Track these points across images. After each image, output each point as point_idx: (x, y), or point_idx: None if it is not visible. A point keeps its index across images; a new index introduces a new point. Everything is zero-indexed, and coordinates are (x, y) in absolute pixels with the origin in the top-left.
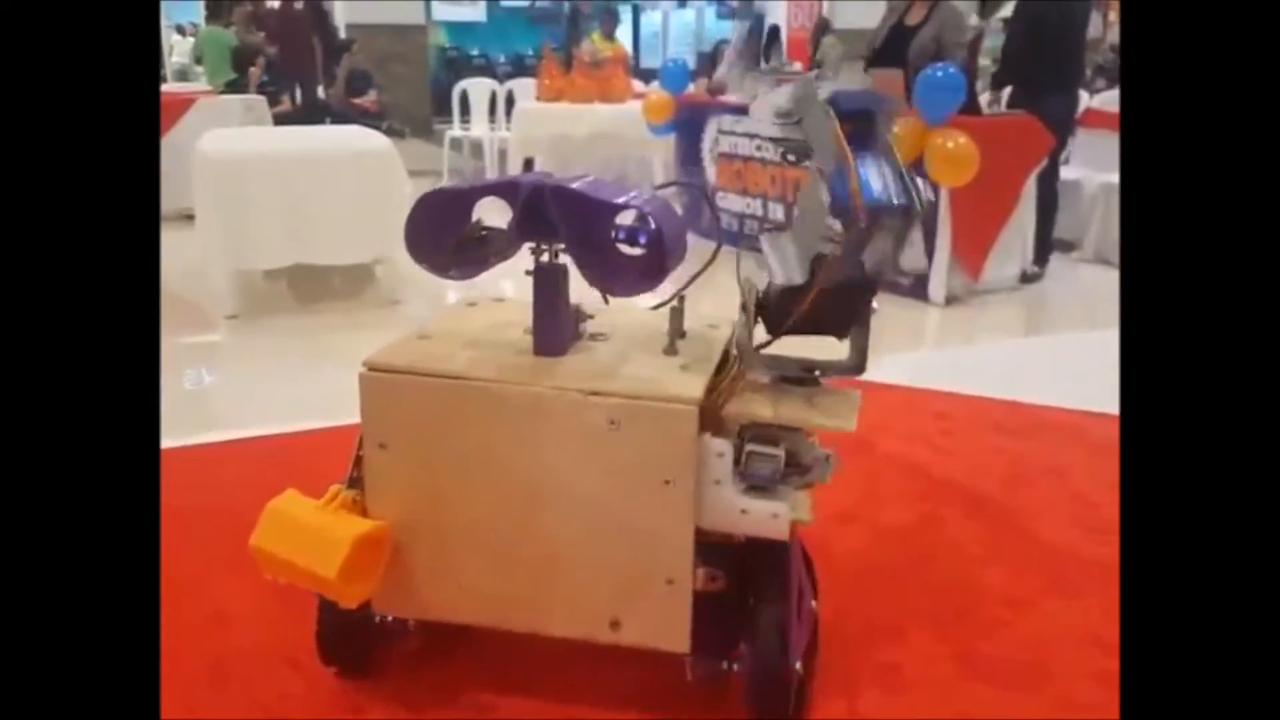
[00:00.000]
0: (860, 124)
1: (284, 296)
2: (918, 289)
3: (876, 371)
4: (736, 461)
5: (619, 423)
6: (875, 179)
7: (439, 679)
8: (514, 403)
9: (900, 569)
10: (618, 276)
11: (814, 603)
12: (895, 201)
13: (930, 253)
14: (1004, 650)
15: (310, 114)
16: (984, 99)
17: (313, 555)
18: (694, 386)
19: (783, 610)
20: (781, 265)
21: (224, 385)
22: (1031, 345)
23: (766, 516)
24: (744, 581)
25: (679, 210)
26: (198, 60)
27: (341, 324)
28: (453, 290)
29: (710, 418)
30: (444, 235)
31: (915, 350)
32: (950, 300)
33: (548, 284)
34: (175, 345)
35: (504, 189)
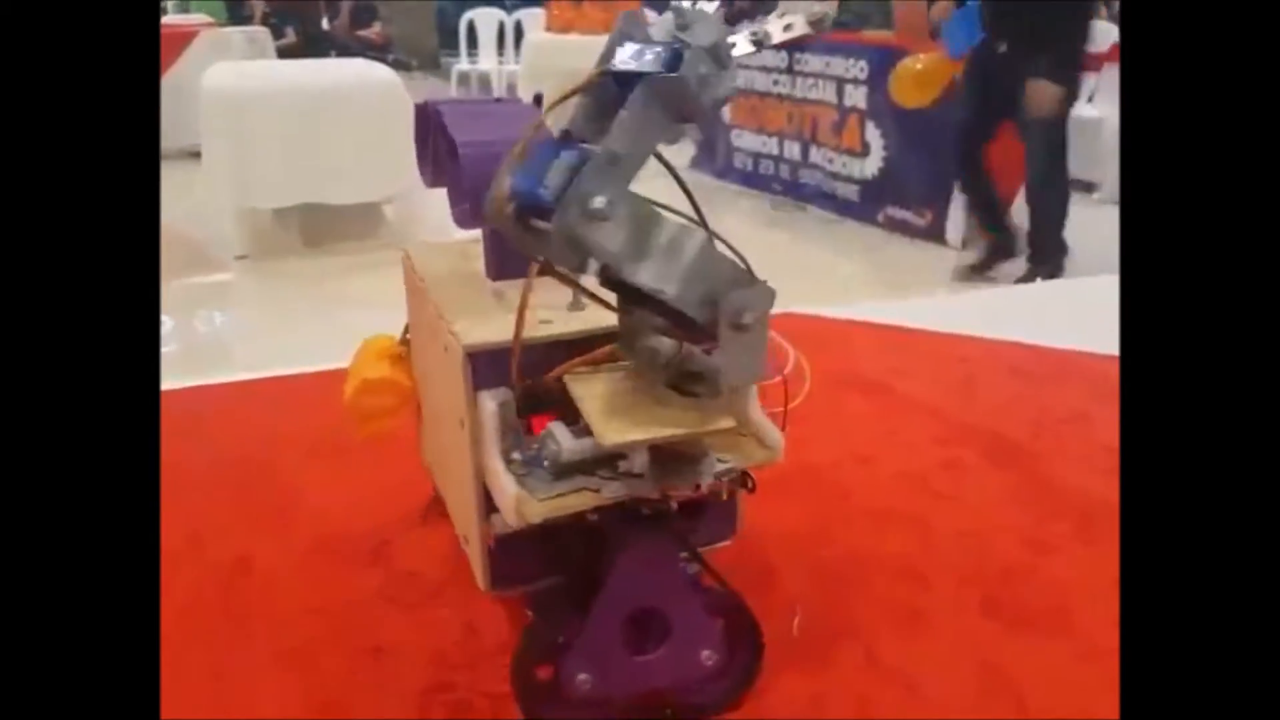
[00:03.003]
0: None
1: (293, 237)
2: (934, 229)
3: (894, 315)
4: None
5: (445, 349)
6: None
7: (469, 610)
8: (429, 310)
9: (919, 513)
10: (454, 208)
11: (706, 651)
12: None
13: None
14: (1025, 595)
15: (314, 47)
16: None
17: (348, 385)
18: (488, 331)
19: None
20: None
21: (235, 326)
22: (1055, 288)
23: (500, 493)
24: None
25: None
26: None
27: (352, 265)
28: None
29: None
30: (423, 148)
31: (931, 293)
32: (967, 243)
33: None
34: (185, 286)
35: (417, 110)
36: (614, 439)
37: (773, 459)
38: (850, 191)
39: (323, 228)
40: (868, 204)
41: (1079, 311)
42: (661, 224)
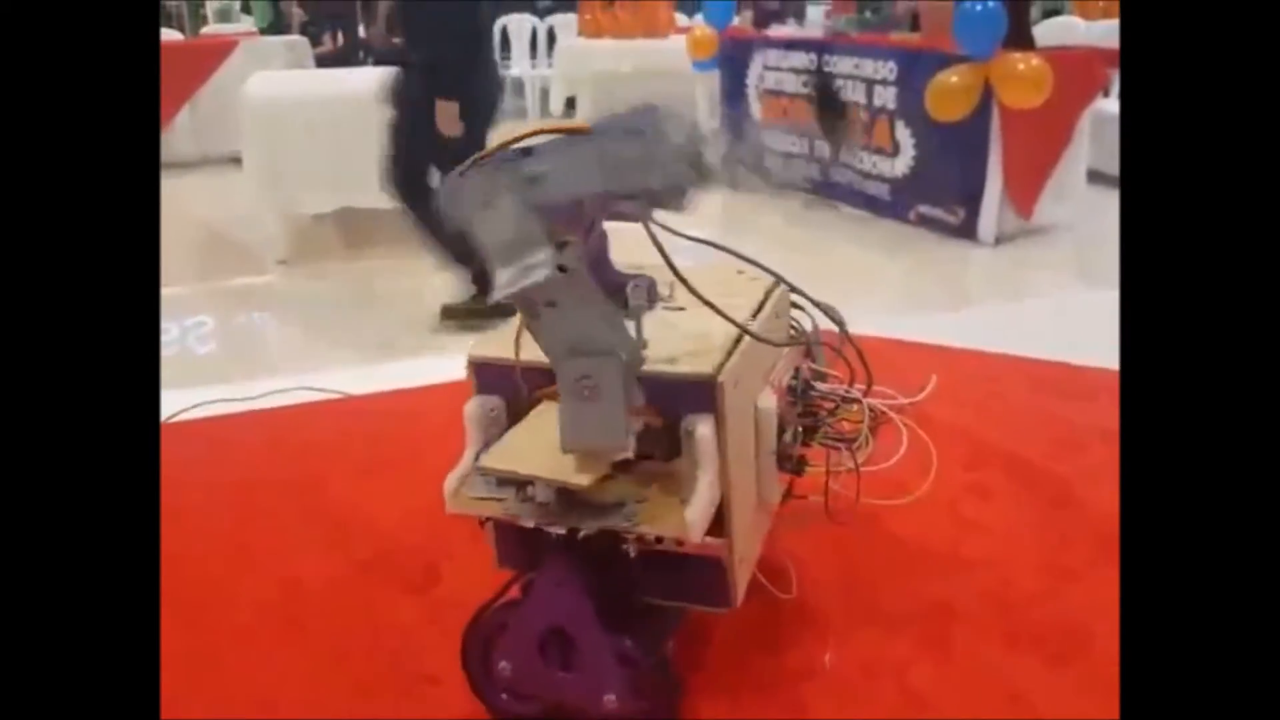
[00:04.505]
0: None
1: (333, 241)
2: (966, 227)
3: (921, 331)
4: None
5: None
6: None
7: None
8: None
9: (947, 539)
10: None
11: (610, 696)
12: None
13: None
14: (1052, 621)
15: (350, 54)
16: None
17: None
18: (491, 348)
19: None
20: None
21: (271, 328)
22: (1085, 300)
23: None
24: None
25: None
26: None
27: (389, 269)
28: None
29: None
30: None
31: (964, 302)
32: (1000, 240)
33: None
34: (228, 288)
35: None
36: (484, 462)
37: (678, 535)
38: (881, 190)
39: (360, 231)
40: (899, 202)
41: (1106, 327)
42: (538, 246)
